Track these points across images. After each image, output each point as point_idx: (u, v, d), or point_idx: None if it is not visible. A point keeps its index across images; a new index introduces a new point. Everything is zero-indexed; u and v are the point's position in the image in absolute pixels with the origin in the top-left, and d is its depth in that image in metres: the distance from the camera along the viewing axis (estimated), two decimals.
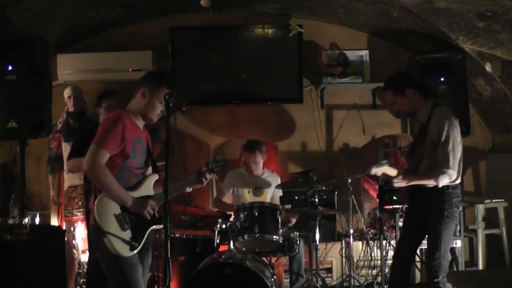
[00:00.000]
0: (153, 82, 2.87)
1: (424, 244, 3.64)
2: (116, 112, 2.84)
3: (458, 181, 3.34)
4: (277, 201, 4.52)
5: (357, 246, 5.00)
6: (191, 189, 3.14)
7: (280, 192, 4.59)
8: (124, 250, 2.69)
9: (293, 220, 4.34)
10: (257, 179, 4.47)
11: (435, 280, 3.25)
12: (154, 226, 2.85)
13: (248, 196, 4.42)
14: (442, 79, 4.44)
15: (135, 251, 2.75)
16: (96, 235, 2.70)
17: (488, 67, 4.39)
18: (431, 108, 3.35)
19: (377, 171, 3.36)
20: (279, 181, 4.56)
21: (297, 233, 3.98)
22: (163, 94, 2.76)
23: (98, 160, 2.68)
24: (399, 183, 3.35)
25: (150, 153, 2.96)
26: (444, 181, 3.24)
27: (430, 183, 3.29)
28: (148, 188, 2.88)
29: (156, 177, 2.94)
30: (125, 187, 2.77)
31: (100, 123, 2.82)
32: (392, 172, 3.38)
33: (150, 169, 2.98)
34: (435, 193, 3.30)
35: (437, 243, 3.26)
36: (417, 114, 3.44)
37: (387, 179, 3.53)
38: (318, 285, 4.12)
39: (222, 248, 3.76)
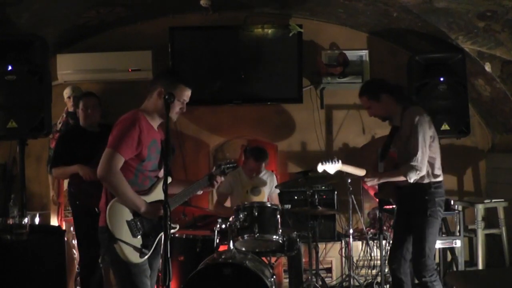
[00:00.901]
0: (170, 81, 2.80)
1: None
2: (132, 112, 2.76)
3: (440, 178, 3.36)
4: (275, 200, 4.52)
5: (357, 246, 5.00)
6: (202, 192, 3.06)
7: (277, 191, 4.58)
8: (134, 257, 2.67)
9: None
10: (254, 178, 4.45)
11: (423, 279, 3.27)
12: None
13: (246, 196, 4.39)
14: (442, 79, 4.45)
15: (145, 258, 2.73)
16: (106, 238, 2.67)
17: (488, 67, 4.39)
18: (401, 111, 3.40)
19: (327, 168, 3.34)
20: (275, 179, 4.57)
21: (297, 233, 3.98)
22: (181, 92, 2.72)
23: (113, 165, 2.61)
24: (371, 182, 3.39)
25: (164, 155, 2.87)
26: (412, 176, 3.25)
27: (400, 178, 3.31)
28: (161, 191, 2.82)
29: (169, 180, 2.89)
30: (139, 191, 2.72)
31: (115, 124, 2.73)
32: (359, 172, 3.39)
33: (161, 172, 2.90)
34: (418, 193, 3.33)
35: (422, 242, 3.28)
36: (392, 118, 3.49)
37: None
38: (318, 285, 4.11)
39: (222, 248, 3.75)
